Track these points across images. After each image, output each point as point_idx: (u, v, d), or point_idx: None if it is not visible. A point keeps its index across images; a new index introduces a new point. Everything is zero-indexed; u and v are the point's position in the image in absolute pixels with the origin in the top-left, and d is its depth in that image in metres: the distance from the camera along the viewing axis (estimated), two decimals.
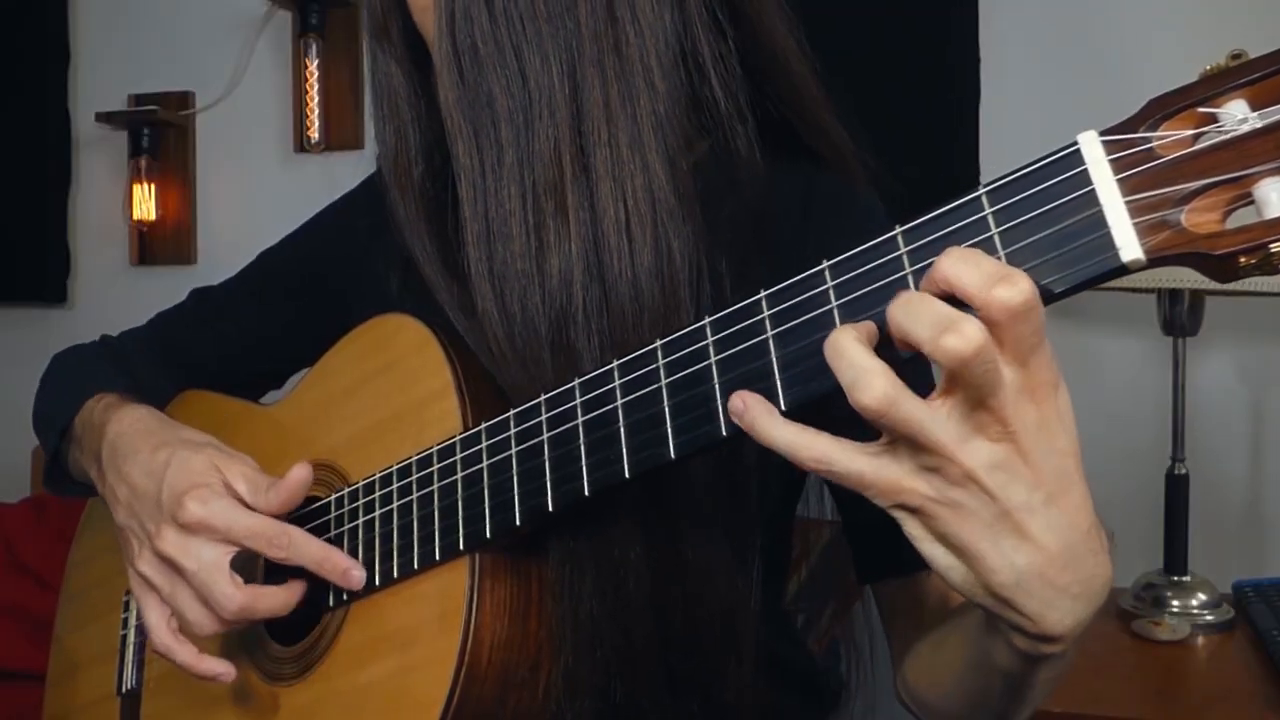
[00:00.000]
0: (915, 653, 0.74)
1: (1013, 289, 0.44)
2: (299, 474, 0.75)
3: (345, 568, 0.74)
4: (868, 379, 0.47)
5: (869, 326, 0.50)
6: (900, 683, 0.77)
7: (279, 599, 0.75)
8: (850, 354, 0.48)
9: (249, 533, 0.74)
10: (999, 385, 0.46)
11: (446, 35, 0.71)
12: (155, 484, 0.77)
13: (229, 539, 0.74)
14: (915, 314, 0.47)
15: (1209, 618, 1.52)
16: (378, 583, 0.74)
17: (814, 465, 0.50)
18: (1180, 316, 1.56)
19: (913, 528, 0.51)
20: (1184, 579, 1.56)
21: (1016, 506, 0.48)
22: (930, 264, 0.48)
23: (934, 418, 0.47)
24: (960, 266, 0.46)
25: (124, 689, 0.96)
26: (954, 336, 0.45)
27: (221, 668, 0.77)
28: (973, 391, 0.46)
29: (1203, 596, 1.55)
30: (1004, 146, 1.92)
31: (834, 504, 0.82)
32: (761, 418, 0.51)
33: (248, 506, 0.76)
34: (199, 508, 0.74)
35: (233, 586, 0.73)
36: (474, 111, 0.70)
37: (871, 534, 0.79)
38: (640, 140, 0.69)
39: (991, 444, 0.47)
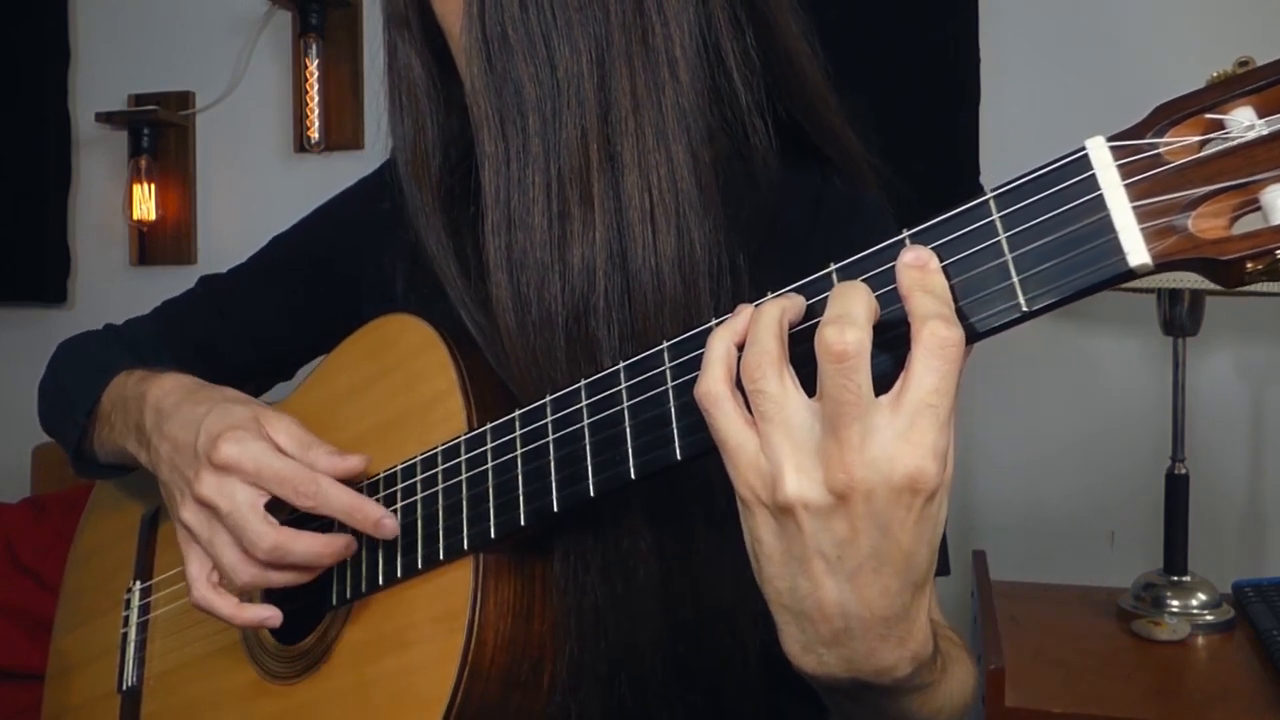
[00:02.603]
0: None
1: (946, 327, 0.47)
2: (358, 460, 0.74)
3: (377, 517, 0.72)
4: (752, 345, 0.50)
5: (795, 305, 0.53)
6: None
7: (318, 544, 0.73)
8: (764, 315, 0.51)
9: (276, 477, 0.72)
10: (856, 423, 0.47)
11: (476, 21, 0.71)
12: (193, 433, 0.77)
13: (257, 481, 0.73)
14: (840, 295, 0.49)
15: (1209, 618, 1.53)
16: (381, 582, 0.74)
17: (700, 395, 0.52)
18: (1180, 316, 1.57)
19: (744, 515, 0.52)
20: (1184, 579, 1.57)
21: (821, 554, 0.50)
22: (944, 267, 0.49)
23: (799, 414, 0.49)
24: (922, 296, 0.48)
25: (124, 686, 0.96)
26: (833, 329, 0.47)
27: (266, 612, 0.75)
28: (829, 405, 0.48)
29: (1203, 596, 1.55)
30: (1004, 147, 1.92)
31: None
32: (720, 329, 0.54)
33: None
34: (232, 447, 0.73)
35: (265, 525, 0.72)
36: (501, 99, 0.71)
37: None
38: (665, 131, 0.69)
39: (823, 487, 0.48)
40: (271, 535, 0.72)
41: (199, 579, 0.76)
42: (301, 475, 0.72)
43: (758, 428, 0.50)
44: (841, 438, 0.47)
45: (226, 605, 0.76)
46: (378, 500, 0.75)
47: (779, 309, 0.52)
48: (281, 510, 0.74)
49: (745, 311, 0.53)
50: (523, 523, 0.66)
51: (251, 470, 0.72)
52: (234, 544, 0.74)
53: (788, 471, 0.49)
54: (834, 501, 0.48)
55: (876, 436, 0.47)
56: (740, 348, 0.53)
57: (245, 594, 0.78)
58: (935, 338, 0.47)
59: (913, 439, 0.47)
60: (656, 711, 0.72)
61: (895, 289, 0.51)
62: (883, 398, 0.48)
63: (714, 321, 0.57)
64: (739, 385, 0.52)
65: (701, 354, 0.54)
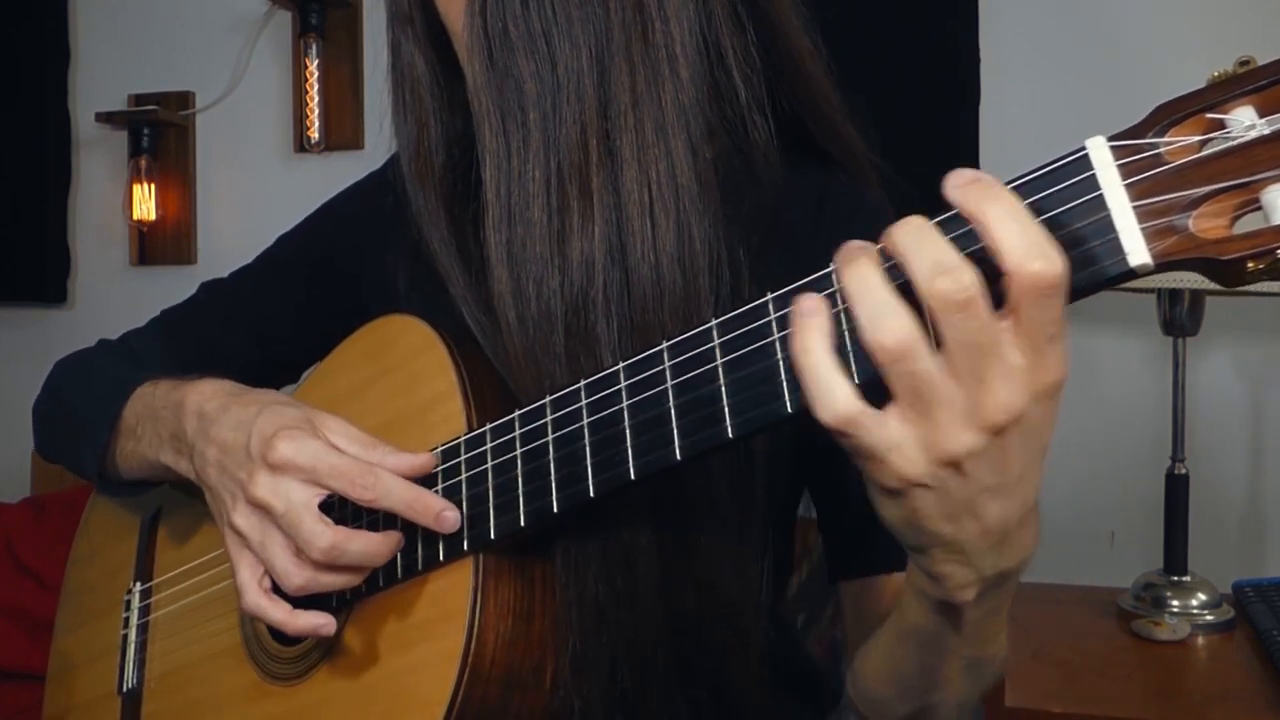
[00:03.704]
0: (864, 647, 0.73)
1: (1048, 264, 0.44)
2: (428, 457, 0.72)
3: (438, 510, 0.69)
4: (887, 319, 0.46)
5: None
6: (850, 682, 0.75)
7: (374, 543, 0.71)
8: (874, 286, 0.47)
9: (333, 470, 0.70)
10: (994, 359, 0.45)
11: (478, 17, 0.71)
12: (244, 434, 0.74)
13: (313, 478, 0.70)
14: (919, 245, 0.46)
15: (1209, 618, 1.53)
16: (381, 583, 0.74)
17: (833, 421, 0.49)
18: (1180, 316, 1.57)
19: (898, 500, 0.51)
20: (1184, 579, 1.57)
21: (984, 489, 0.49)
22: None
23: (944, 379, 0.46)
24: (1009, 224, 0.45)
25: (125, 687, 0.96)
26: (947, 279, 0.45)
27: (320, 619, 0.73)
28: (967, 356, 0.46)
29: (1203, 596, 1.55)
30: (1004, 147, 1.92)
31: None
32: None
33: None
34: (287, 445, 0.70)
35: (321, 524, 0.69)
36: (501, 95, 0.71)
37: (849, 533, 0.80)
38: (664, 127, 0.70)
39: (980, 432, 0.47)
40: (328, 534, 0.70)
41: (250, 585, 0.74)
42: (359, 468, 0.70)
43: (904, 415, 0.48)
44: (987, 379, 0.46)
45: (279, 611, 0.73)
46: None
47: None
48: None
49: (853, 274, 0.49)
50: (522, 523, 0.66)
51: (308, 467, 0.70)
52: (287, 546, 0.71)
53: (950, 434, 0.47)
54: (991, 439, 0.47)
55: (1012, 366, 0.46)
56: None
57: None
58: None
59: (1047, 364, 0.46)
60: (659, 707, 0.72)
61: (901, 284, 0.50)
62: (1003, 324, 0.46)
63: (713, 321, 0.57)
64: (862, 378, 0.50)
65: (700, 353, 0.54)
